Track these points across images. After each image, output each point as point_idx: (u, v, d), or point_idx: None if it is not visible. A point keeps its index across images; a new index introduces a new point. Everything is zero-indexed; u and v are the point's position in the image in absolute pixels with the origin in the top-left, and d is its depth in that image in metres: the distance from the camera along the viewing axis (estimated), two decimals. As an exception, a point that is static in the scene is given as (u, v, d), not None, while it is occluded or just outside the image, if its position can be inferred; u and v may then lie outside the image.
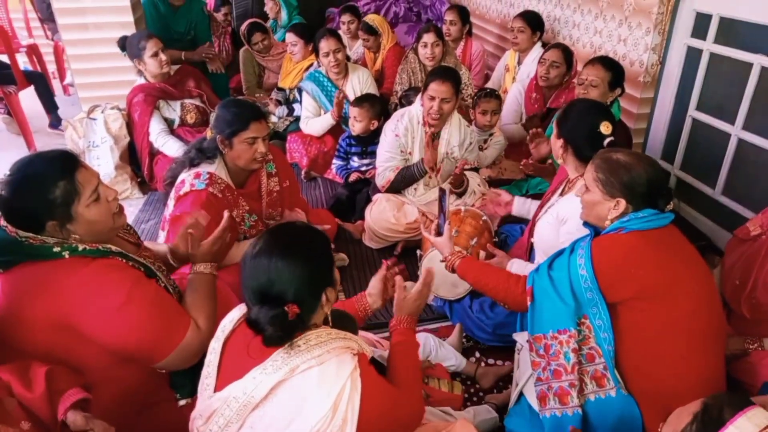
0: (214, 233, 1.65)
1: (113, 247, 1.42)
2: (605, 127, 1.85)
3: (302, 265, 1.18)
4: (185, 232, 1.65)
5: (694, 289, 1.49)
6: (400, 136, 2.73)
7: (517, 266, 1.98)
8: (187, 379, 1.52)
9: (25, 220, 1.33)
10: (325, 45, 3.43)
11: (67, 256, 1.32)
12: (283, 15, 4.93)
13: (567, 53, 3.12)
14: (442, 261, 1.91)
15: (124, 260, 1.42)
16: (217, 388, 1.19)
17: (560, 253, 1.62)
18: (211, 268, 1.62)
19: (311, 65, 3.96)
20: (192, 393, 1.53)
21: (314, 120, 3.64)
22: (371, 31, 4.18)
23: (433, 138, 2.74)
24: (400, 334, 1.48)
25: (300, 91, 3.73)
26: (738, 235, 1.99)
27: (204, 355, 1.49)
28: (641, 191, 1.50)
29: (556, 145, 1.95)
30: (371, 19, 4.24)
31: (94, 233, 1.40)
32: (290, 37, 3.99)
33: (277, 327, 1.14)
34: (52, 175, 1.33)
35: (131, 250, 1.56)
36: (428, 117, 2.66)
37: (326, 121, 3.58)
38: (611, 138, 1.87)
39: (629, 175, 1.50)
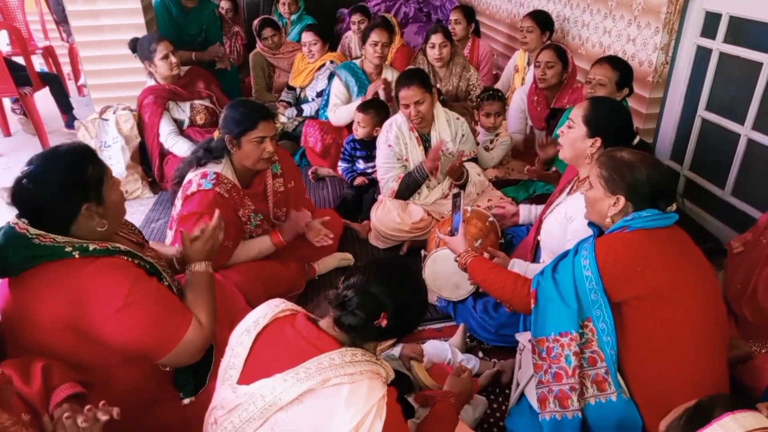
0: (206, 232, 1.63)
1: (122, 246, 1.43)
2: (635, 126, 1.86)
3: (415, 305, 1.30)
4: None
5: (700, 290, 1.48)
6: (393, 146, 2.74)
7: (518, 267, 1.99)
8: (189, 378, 1.55)
9: (59, 206, 1.33)
10: (377, 36, 3.39)
11: (77, 256, 1.33)
12: (301, 8, 4.95)
13: (559, 51, 3.10)
14: (455, 260, 1.92)
15: (130, 258, 1.43)
16: (241, 380, 1.19)
17: (564, 255, 1.62)
18: (206, 266, 1.60)
19: (323, 65, 3.97)
20: (195, 392, 1.55)
21: (343, 107, 3.54)
22: (389, 26, 4.16)
23: (423, 140, 2.75)
24: (444, 405, 1.49)
25: (331, 77, 3.66)
26: (727, 248, 1.98)
27: (206, 354, 1.52)
28: (642, 190, 1.50)
29: (584, 143, 1.86)
30: (389, 16, 4.21)
31: (116, 218, 1.45)
32: (310, 37, 3.96)
33: (362, 316, 1.18)
34: (83, 158, 1.39)
35: (135, 250, 1.58)
36: (413, 124, 2.69)
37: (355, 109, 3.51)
38: (639, 137, 1.88)
39: (631, 174, 1.51)
